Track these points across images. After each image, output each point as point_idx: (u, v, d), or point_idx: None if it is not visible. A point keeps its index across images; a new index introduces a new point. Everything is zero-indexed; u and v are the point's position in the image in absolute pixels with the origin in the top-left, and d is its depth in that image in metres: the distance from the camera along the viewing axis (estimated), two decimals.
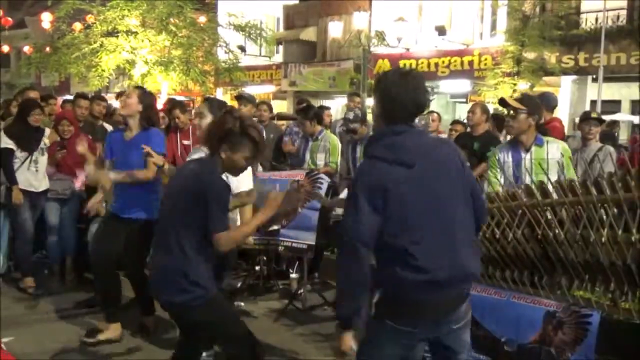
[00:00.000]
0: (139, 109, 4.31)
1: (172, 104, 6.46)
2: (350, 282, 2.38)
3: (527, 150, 3.91)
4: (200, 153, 3.95)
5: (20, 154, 5.38)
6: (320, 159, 6.14)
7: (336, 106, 18.53)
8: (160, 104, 11.26)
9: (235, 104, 7.99)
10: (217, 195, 2.83)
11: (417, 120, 2.52)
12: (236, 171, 3.05)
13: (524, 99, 4.07)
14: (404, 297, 2.36)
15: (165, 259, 2.90)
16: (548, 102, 5.82)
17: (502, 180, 3.64)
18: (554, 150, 3.87)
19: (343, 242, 2.39)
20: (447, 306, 2.42)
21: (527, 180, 3.40)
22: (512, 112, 3.92)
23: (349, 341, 2.39)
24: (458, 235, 2.38)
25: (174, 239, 2.85)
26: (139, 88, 4.59)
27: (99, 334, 4.33)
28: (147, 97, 4.42)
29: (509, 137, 4.38)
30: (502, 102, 4.05)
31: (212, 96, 9.25)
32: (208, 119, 3.92)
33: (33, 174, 5.46)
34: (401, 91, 2.39)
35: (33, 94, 6.70)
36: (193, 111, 7.41)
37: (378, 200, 2.31)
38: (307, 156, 6.21)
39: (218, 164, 2.93)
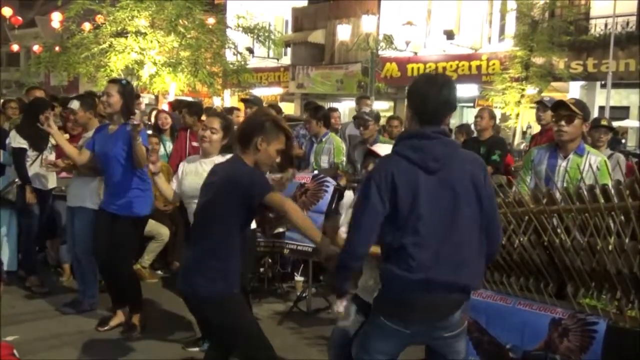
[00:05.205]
0: (121, 103, 4.36)
1: (178, 103, 6.63)
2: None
3: (565, 157, 3.62)
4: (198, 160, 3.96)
5: (31, 153, 5.42)
6: (324, 161, 6.09)
7: (343, 109, 18.54)
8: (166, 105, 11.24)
9: (241, 106, 8.00)
10: (249, 176, 2.83)
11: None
12: (266, 166, 3.04)
13: (578, 103, 3.66)
14: (396, 295, 2.43)
15: (187, 253, 3.01)
16: (545, 107, 5.92)
17: (531, 183, 3.58)
18: (593, 161, 3.54)
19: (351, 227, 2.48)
20: (438, 311, 2.45)
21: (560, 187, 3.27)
22: (565, 116, 3.56)
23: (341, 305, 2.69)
24: (464, 249, 2.42)
25: (199, 234, 2.92)
26: (115, 82, 4.50)
27: (110, 321, 4.59)
28: (126, 88, 4.43)
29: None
30: (560, 103, 3.65)
31: (250, 96, 9.08)
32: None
33: (43, 172, 5.51)
34: (431, 91, 2.43)
35: (39, 93, 6.73)
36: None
37: (386, 194, 2.37)
38: (312, 158, 6.19)
39: (247, 160, 2.92)
